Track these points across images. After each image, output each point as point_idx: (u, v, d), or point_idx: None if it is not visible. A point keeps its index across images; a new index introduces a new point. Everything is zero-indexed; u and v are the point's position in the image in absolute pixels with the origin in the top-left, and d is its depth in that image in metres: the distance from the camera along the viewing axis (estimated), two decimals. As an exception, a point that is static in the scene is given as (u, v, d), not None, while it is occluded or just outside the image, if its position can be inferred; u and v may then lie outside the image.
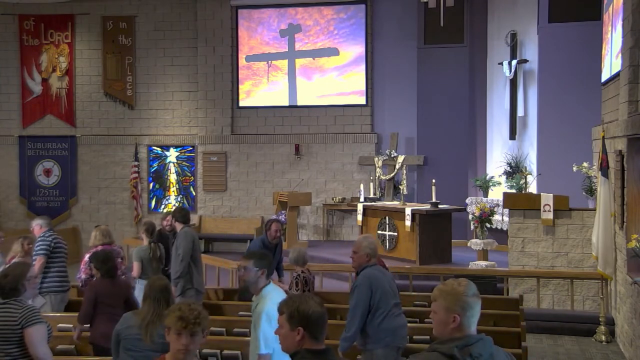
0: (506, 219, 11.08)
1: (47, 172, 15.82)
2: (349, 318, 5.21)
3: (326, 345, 3.02)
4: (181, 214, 7.62)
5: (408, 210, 10.96)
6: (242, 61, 15.26)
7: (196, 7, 15.19)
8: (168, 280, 4.57)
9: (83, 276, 7.23)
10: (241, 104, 15.27)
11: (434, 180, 11.14)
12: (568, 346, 8.41)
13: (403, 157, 13.68)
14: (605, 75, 9.92)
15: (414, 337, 6.20)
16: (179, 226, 7.54)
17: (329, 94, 14.95)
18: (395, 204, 12.02)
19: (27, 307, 4.41)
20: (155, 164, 15.57)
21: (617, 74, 8.51)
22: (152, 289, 4.37)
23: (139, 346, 4.20)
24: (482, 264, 10.35)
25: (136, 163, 15.31)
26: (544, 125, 11.94)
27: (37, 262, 7.11)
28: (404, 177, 13.04)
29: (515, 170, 12.40)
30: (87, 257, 7.25)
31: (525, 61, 12.70)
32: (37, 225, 7.39)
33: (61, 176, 15.78)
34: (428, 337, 6.13)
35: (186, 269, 7.26)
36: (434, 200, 11.08)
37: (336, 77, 14.92)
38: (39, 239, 7.28)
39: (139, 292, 7.33)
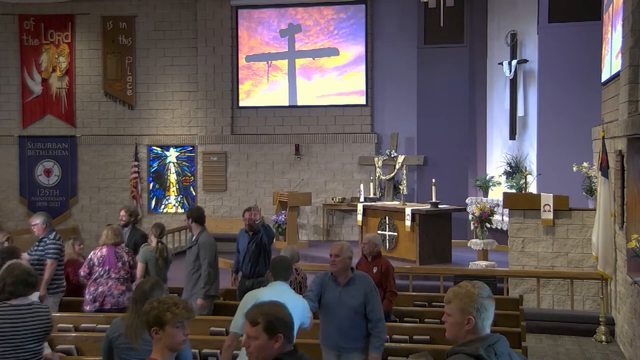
0: (506, 219, 11.08)
1: (47, 172, 15.83)
2: (381, 324, 5.19)
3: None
4: (198, 214, 7.37)
5: (408, 210, 10.96)
6: (242, 61, 15.26)
7: (196, 7, 15.19)
8: (159, 282, 4.52)
9: (82, 273, 7.22)
10: (241, 104, 15.28)
11: (434, 180, 11.14)
12: (568, 346, 8.41)
13: (403, 157, 13.69)
14: (605, 75, 9.92)
15: (414, 337, 6.19)
16: (196, 228, 7.30)
17: (329, 94, 14.95)
18: (395, 204, 12.01)
19: (48, 306, 4.63)
20: (155, 164, 15.57)
21: (617, 74, 8.51)
22: (136, 291, 4.32)
23: (130, 355, 4.13)
24: (482, 264, 10.35)
25: (136, 163, 15.32)
26: (544, 125, 11.94)
27: (50, 266, 7.07)
28: (404, 177, 13.04)
29: (515, 170, 12.40)
30: (90, 255, 7.25)
31: (525, 61, 12.71)
32: (41, 224, 7.25)
33: (61, 176, 15.78)
34: (428, 337, 6.13)
35: (212, 279, 7.19)
36: (434, 200, 11.07)
37: (336, 77, 14.92)
38: (51, 242, 7.18)
39: None
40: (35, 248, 7.28)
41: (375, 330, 5.18)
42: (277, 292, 4.69)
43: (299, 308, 4.66)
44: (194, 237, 7.34)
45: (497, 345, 2.85)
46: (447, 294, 2.97)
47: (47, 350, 5.23)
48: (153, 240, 7.68)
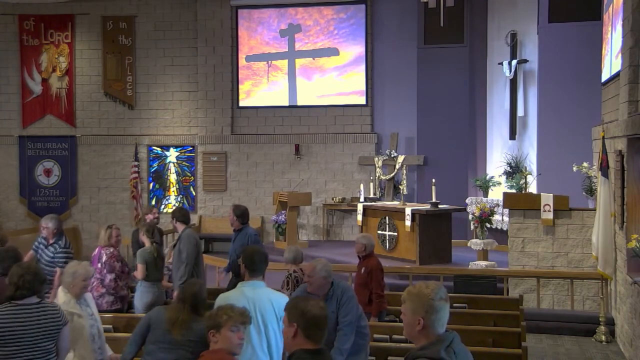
0: (506, 219, 11.08)
1: (47, 172, 15.82)
2: (347, 330, 5.12)
3: (322, 346, 3.04)
4: (182, 214, 7.60)
5: (408, 210, 10.96)
6: (242, 61, 15.26)
7: (196, 7, 15.19)
8: (202, 285, 4.67)
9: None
10: (241, 104, 15.28)
11: (434, 180, 11.14)
12: (568, 346, 8.41)
13: (403, 157, 13.68)
14: (605, 75, 9.92)
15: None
16: (180, 227, 7.51)
17: (329, 94, 14.95)
18: (395, 204, 12.02)
19: (58, 305, 4.64)
20: (155, 164, 15.57)
21: (617, 74, 8.51)
22: (187, 294, 4.50)
23: (167, 340, 4.33)
24: (482, 264, 10.35)
25: (136, 163, 15.31)
26: (544, 125, 11.94)
27: (59, 274, 7.05)
28: (404, 177, 13.04)
29: (515, 170, 12.40)
30: (100, 260, 7.25)
31: (525, 61, 12.71)
32: (53, 229, 7.24)
33: (61, 176, 15.78)
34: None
35: (190, 273, 7.26)
36: (434, 200, 11.07)
37: (336, 77, 14.92)
38: (61, 250, 7.19)
39: (141, 295, 7.30)
40: (43, 249, 7.31)
41: (339, 332, 5.10)
42: (250, 294, 4.41)
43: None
44: (179, 234, 7.52)
45: (453, 343, 2.88)
46: (403, 294, 3.01)
47: (110, 352, 5.31)
48: (146, 241, 7.68)
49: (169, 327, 4.35)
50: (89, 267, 5.28)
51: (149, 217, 8.70)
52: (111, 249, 7.32)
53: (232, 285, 7.52)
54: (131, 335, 4.57)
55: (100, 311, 6.94)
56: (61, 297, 5.08)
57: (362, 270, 7.00)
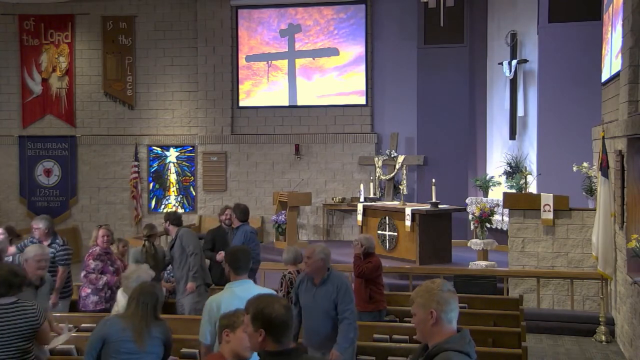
0: (506, 219, 11.08)
1: (47, 172, 15.83)
2: (351, 319, 5.14)
3: (294, 346, 3.02)
4: (176, 217, 7.70)
5: (408, 210, 10.96)
6: (242, 61, 15.26)
7: (196, 7, 15.19)
8: (159, 286, 4.58)
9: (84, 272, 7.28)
10: (241, 104, 15.28)
11: (434, 180, 11.14)
12: (568, 346, 8.41)
13: (403, 157, 13.68)
14: (605, 75, 9.92)
15: (414, 336, 6.18)
16: (173, 230, 7.56)
17: (329, 94, 14.95)
18: (395, 204, 12.02)
19: (36, 304, 4.57)
20: (155, 164, 15.57)
21: (617, 74, 8.51)
22: (142, 293, 4.32)
23: (132, 349, 4.16)
24: (482, 264, 10.35)
25: (136, 163, 15.32)
26: (544, 125, 11.94)
27: (62, 273, 7.07)
28: (404, 177, 13.04)
29: (515, 170, 12.40)
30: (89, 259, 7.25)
31: (525, 61, 12.70)
32: (44, 229, 7.16)
33: (61, 176, 15.79)
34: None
35: (200, 264, 7.37)
36: (434, 200, 11.07)
37: (336, 77, 14.92)
38: (61, 248, 7.15)
39: None
40: None
41: (344, 322, 5.12)
42: (242, 293, 4.24)
43: None
44: (173, 236, 7.58)
45: (470, 338, 2.93)
46: (411, 295, 3.03)
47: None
48: (141, 242, 7.73)
49: (135, 338, 4.15)
50: (150, 270, 5.26)
51: (222, 218, 8.62)
52: (96, 248, 7.28)
53: None
54: (85, 354, 4.29)
55: (85, 311, 6.94)
56: (120, 300, 5.01)
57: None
